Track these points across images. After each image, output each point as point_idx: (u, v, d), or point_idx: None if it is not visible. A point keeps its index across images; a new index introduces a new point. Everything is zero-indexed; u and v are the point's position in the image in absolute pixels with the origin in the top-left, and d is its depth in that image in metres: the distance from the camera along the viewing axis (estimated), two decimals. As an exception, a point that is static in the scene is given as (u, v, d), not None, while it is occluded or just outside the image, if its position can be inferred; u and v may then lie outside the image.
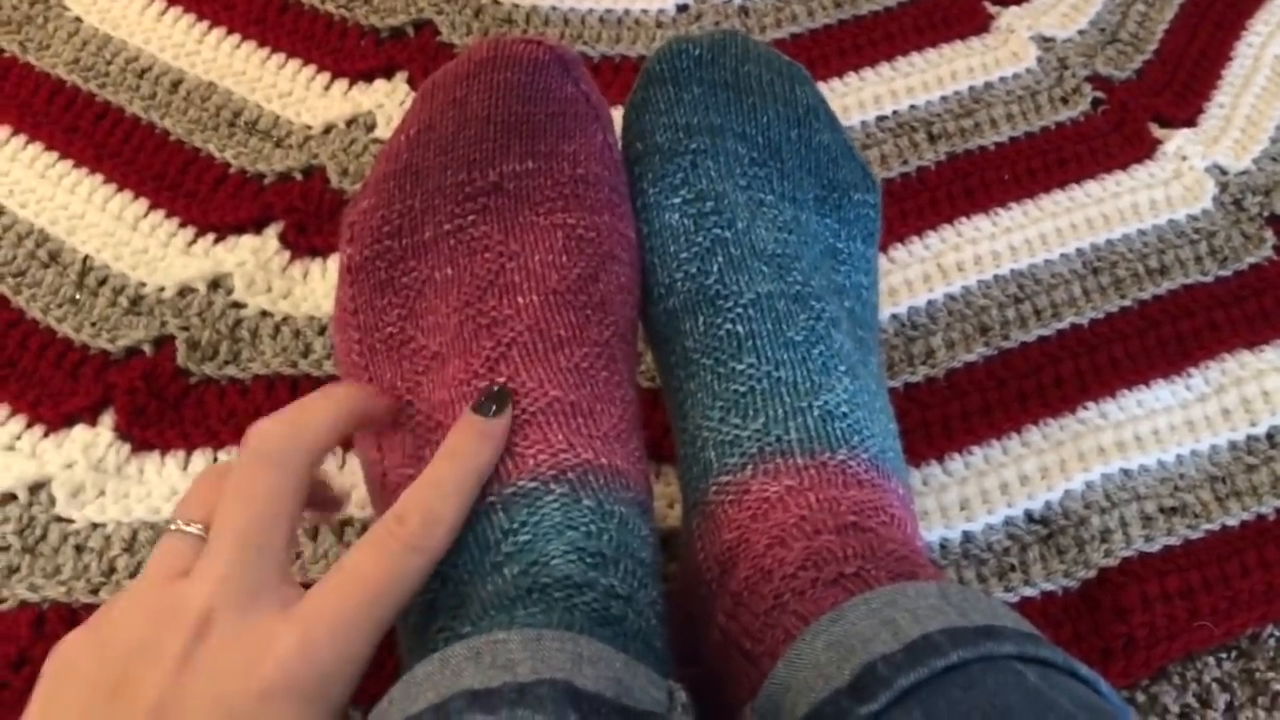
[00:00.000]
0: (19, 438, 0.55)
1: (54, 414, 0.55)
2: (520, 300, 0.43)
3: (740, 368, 0.44)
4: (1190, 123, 0.72)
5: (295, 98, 0.69)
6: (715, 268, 0.46)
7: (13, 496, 0.53)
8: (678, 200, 0.48)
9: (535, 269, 0.44)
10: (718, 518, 0.43)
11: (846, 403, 0.44)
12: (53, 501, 0.53)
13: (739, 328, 0.45)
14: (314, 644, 0.34)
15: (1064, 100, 0.72)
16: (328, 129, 0.67)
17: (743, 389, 0.44)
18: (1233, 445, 0.58)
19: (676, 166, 0.48)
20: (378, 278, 0.45)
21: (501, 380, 0.41)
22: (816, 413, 0.43)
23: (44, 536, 0.52)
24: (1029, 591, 0.53)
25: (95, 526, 0.53)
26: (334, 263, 0.61)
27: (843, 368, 0.45)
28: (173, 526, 0.38)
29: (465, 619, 0.38)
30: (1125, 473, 0.57)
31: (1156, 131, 0.71)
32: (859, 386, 0.45)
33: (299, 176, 0.65)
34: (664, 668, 0.38)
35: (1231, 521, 0.55)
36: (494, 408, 0.40)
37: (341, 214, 0.48)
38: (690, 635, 0.44)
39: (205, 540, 0.37)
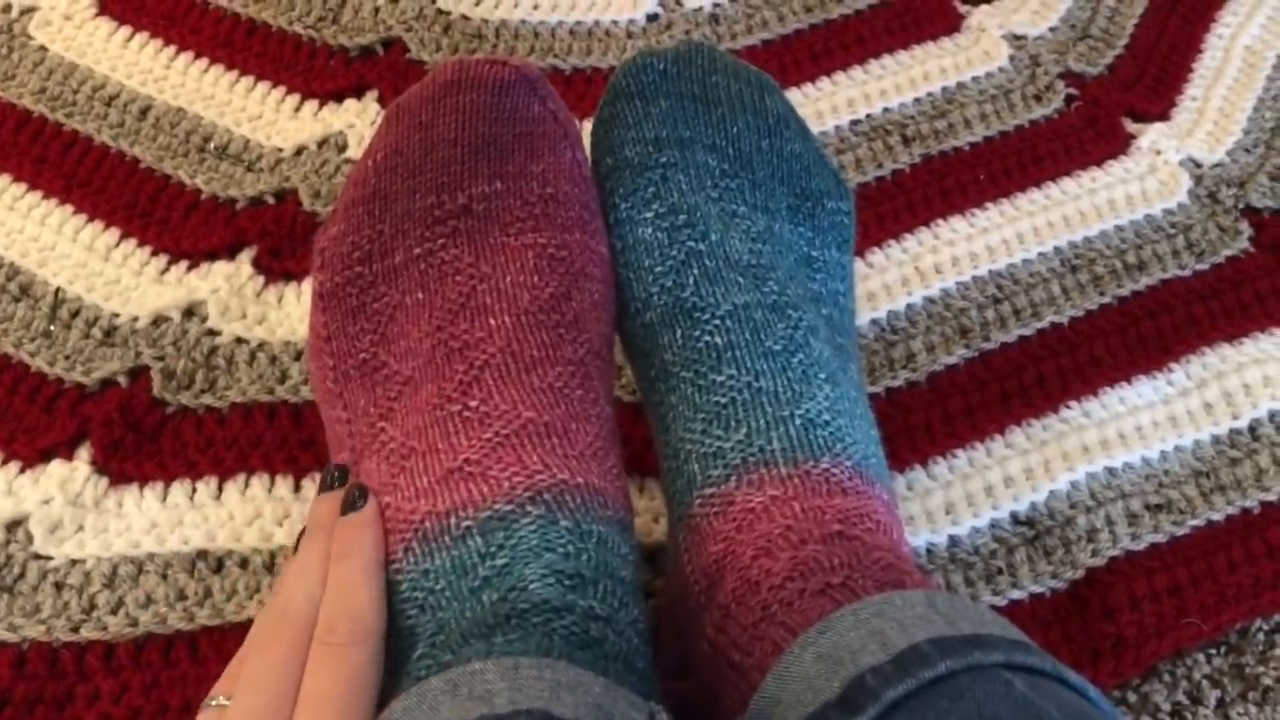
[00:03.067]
0: (-6, 475, 0.54)
1: (29, 450, 0.55)
2: (492, 322, 0.43)
3: (720, 379, 0.44)
4: (1163, 116, 0.72)
5: (265, 120, 0.68)
6: (691, 280, 0.46)
7: (-11, 535, 0.53)
8: (650, 214, 0.47)
9: (507, 290, 0.43)
10: (703, 530, 0.43)
11: (828, 410, 0.44)
12: (30, 539, 0.52)
13: (717, 339, 0.45)
14: None
15: (1037, 98, 0.72)
16: (299, 151, 0.67)
17: (723, 400, 0.44)
18: (1215, 439, 0.58)
19: (647, 180, 0.48)
20: (349, 304, 0.45)
21: (474, 404, 0.41)
22: (798, 421, 0.43)
23: (22, 575, 0.51)
24: (1017, 594, 0.53)
25: (74, 563, 0.52)
26: (309, 287, 0.61)
27: (822, 375, 0.45)
28: (212, 704, 0.39)
29: (446, 647, 0.38)
30: (1110, 471, 0.57)
31: (1130, 126, 0.71)
32: (839, 393, 0.45)
33: (271, 200, 0.65)
34: (647, 687, 0.38)
35: (1217, 516, 0.55)
36: (357, 500, 0.42)
37: (313, 238, 0.48)
38: (679, 649, 0.44)
39: None
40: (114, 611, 0.51)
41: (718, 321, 0.45)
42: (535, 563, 0.39)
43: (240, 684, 0.39)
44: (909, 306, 0.63)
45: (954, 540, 0.55)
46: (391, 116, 0.48)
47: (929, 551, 0.54)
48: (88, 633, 0.50)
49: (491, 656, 0.35)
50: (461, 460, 0.40)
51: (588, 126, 0.52)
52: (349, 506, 0.42)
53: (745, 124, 0.50)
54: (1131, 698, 0.51)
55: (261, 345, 0.59)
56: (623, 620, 0.39)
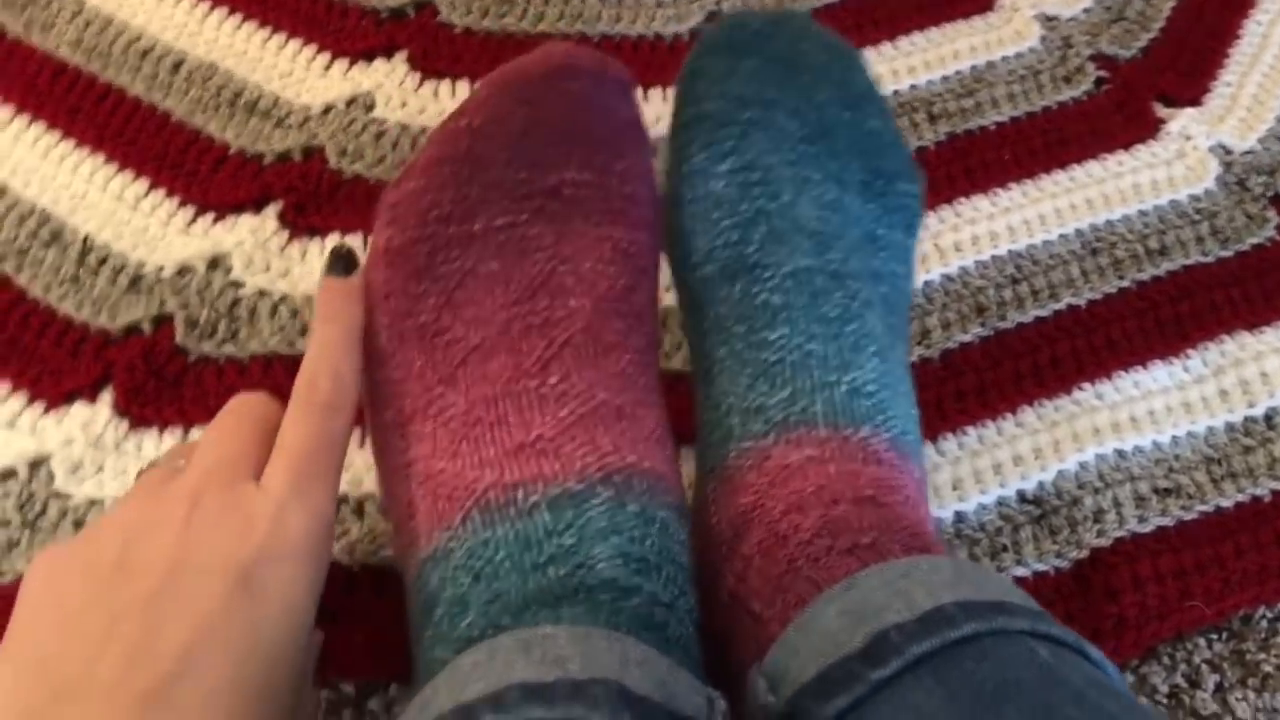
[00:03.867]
0: (19, 415, 0.55)
1: (54, 391, 0.56)
2: (573, 304, 0.43)
3: (772, 338, 0.45)
4: (1195, 102, 0.71)
5: (295, 78, 0.69)
6: (757, 237, 0.46)
7: (13, 472, 0.54)
8: (724, 168, 0.48)
9: (587, 275, 0.44)
10: (735, 482, 0.43)
11: (874, 382, 0.44)
12: (52, 477, 0.54)
13: (775, 298, 0.45)
14: (287, 509, 0.38)
15: (1067, 80, 0.72)
16: (327, 109, 0.67)
17: (773, 359, 0.44)
18: (1229, 427, 0.58)
19: (727, 135, 0.48)
20: (416, 263, 0.44)
21: (553, 381, 0.42)
22: (844, 388, 0.44)
23: (43, 512, 0.53)
24: (1020, 571, 0.53)
25: (93, 502, 0.53)
26: (332, 242, 0.62)
27: (873, 348, 0.45)
28: (160, 464, 0.42)
29: (504, 613, 0.38)
30: (1120, 453, 0.56)
31: (1160, 111, 0.71)
32: (887, 368, 0.45)
33: (298, 157, 0.65)
34: (701, 675, 0.38)
35: (1226, 503, 0.55)
36: (344, 267, 0.44)
37: (382, 193, 0.47)
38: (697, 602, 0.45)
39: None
40: (130, 551, 0.52)
41: (777, 281, 0.45)
42: (603, 544, 0.39)
43: (201, 447, 0.41)
44: (927, 283, 0.63)
45: (960, 516, 0.55)
46: (495, 86, 0.47)
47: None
48: (104, 570, 0.51)
49: (561, 624, 0.35)
50: (535, 435, 0.41)
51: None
52: (335, 270, 0.44)
53: (830, 94, 0.50)
54: (1130, 679, 0.51)
55: (284, 298, 0.60)
56: (682, 608, 0.40)
